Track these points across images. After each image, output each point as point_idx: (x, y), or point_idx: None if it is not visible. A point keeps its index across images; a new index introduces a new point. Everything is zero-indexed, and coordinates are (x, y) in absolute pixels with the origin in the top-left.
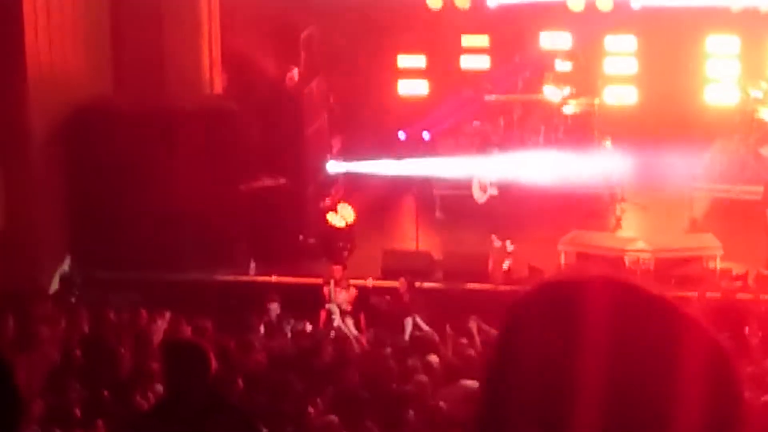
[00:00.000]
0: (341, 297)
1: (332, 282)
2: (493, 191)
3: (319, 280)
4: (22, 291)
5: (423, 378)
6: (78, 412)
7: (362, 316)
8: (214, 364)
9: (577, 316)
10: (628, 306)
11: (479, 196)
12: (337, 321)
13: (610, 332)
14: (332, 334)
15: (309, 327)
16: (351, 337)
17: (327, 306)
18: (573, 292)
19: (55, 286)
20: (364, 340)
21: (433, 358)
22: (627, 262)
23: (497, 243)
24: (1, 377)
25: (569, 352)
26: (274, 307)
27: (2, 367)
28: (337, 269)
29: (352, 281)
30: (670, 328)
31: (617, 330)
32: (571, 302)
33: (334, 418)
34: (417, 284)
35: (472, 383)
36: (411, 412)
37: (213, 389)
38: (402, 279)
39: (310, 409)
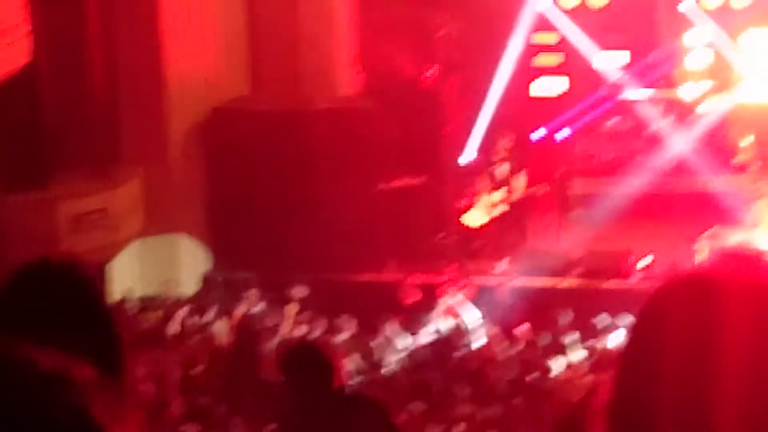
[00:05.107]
0: (458, 296)
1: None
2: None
3: (444, 279)
4: (165, 291)
5: (563, 374)
6: (220, 411)
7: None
8: (339, 364)
9: (718, 309)
10: (766, 306)
11: None
12: (462, 320)
13: (751, 326)
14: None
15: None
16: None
17: (448, 303)
18: (712, 288)
19: (197, 286)
20: (497, 338)
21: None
22: None
23: None
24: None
25: (710, 343)
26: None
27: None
28: (452, 267)
29: (489, 279)
30: None
31: (758, 324)
32: (712, 294)
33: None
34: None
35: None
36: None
37: (341, 391)
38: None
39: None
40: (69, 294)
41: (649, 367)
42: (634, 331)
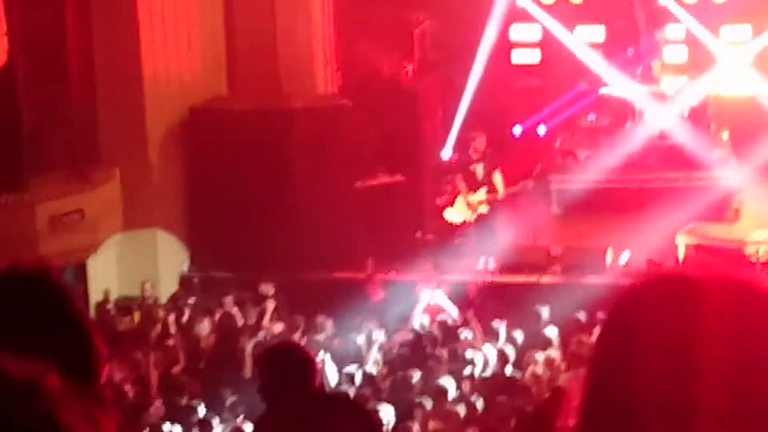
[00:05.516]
0: (437, 293)
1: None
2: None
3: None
4: (143, 292)
5: (538, 370)
6: (200, 411)
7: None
8: (318, 364)
9: (695, 306)
10: (746, 304)
11: None
12: (440, 317)
13: (730, 323)
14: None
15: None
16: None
17: (427, 301)
18: (692, 286)
19: (175, 287)
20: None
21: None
22: (746, 254)
23: None
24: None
25: (688, 340)
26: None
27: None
28: (427, 267)
29: (468, 276)
30: None
31: (734, 326)
32: (689, 291)
33: None
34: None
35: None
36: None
37: (320, 391)
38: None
39: None
40: (39, 301)
41: (622, 364)
42: (608, 328)
